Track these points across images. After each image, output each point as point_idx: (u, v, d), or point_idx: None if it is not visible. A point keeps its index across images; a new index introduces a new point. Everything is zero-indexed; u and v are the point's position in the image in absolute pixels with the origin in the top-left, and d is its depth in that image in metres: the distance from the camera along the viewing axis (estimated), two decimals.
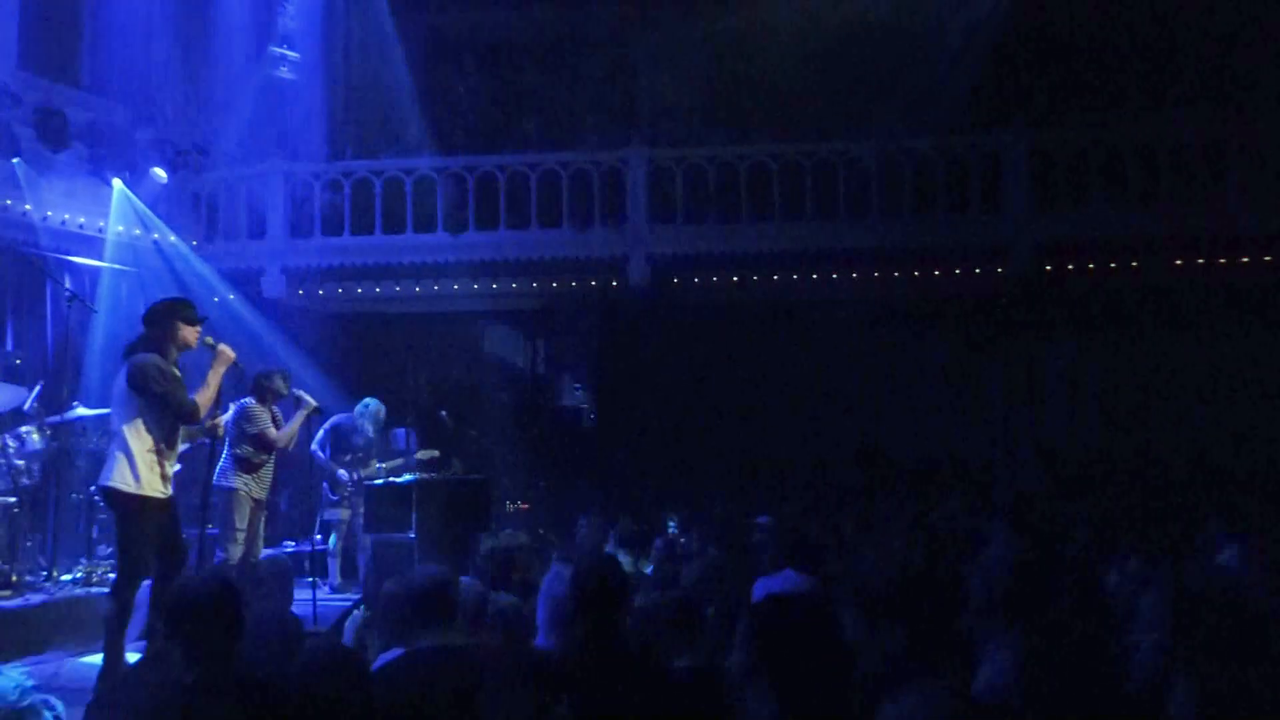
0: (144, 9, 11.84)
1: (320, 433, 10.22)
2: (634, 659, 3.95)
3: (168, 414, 6.25)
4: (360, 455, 10.28)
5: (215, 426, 6.97)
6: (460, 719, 3.42)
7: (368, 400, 10.42)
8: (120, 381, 6.28)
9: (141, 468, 6.16)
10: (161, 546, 6.27)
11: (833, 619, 3.07)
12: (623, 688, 3.63)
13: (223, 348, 6.56)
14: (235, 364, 6.65)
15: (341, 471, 10.19)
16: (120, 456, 6.19)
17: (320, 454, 10.21)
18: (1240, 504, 10.80)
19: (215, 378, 6.47)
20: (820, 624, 3.01)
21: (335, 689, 3.36)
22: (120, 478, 6.16)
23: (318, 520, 10.47)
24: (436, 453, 10.55)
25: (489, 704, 3.61)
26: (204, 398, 6.38)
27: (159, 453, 6.24)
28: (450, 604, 4.19)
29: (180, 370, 6.45)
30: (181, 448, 6.88)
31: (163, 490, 6.26)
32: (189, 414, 6.32)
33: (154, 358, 6.22)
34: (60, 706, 2.49)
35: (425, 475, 9.73)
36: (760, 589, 4.21)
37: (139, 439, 6.19)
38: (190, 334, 6.43)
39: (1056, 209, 12.02)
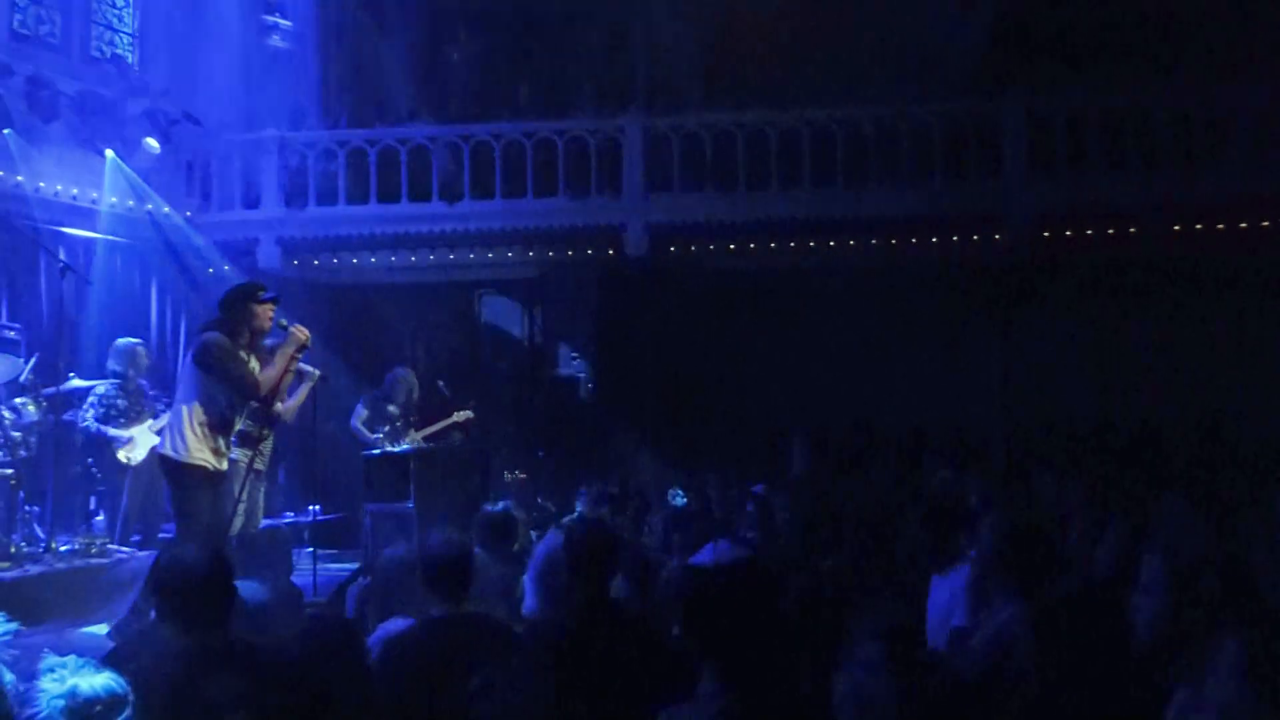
0: None
1: (357, 407, 10.23)
2: (630, 625, 3.95)
3: (227, 391, 6.41)
4: (399, 425, 10.22)
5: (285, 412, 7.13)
6: (460, 688, 3.42)
7: (397, 369, 10.45)
8: (186, 357, 6.58)
9: (190, 439, 6.34)
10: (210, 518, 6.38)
11: (759, 584, 3.05)
12: (620, 655, 3.63)
13: (295, 329, 6.60)
14: (308, 347, 6.70)
15: (385, 444, 10.10)
16: (174, 426, 6.43)
17: (362, 430, 10.16)
18: (1238, 473, 10.85)
19: (283, 358, 6.55)
20: (742, 591, 2.98)
21: (332, 658, 3.37)
22: (171, 446, 6.39)
23: None
24: (470, 414, 10.49)
25: (489, 673, 3.60)
26: (266, 375, 6.49)
27: (212, 427, 6.41)
28: (463, 573, 4.19)
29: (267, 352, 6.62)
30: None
31: (214, 463, 6.43)
32: (249, 390, 6.45)
33: (218, 336, 6.37)
34: (8, 676, 2.45)
35: (452, 442, 9.71)
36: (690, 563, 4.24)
37: (194, 412, 6.37)
38: (264, 315, 6.53)
39: (1055, 176, 11.98)
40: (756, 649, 2.83)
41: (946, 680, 2.68)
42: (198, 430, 6.35)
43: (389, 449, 9.73)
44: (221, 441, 6.50)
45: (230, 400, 6.47)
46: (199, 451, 6.35)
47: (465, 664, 3.22)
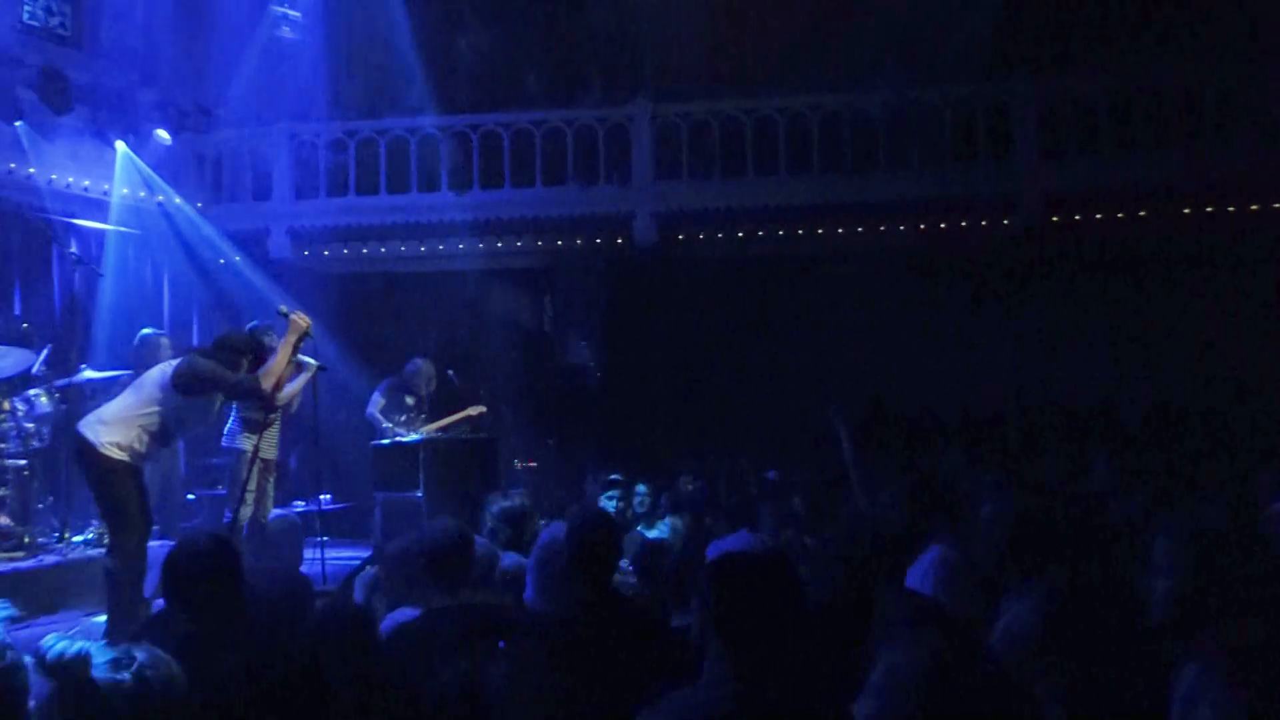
0: None
1: (374, 395, 10.18)
2: (631, 616, 3.96)
3: (196, 411, 6.25)
4: (412, 415, 10.21)
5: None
6: (457, 678, 3.44)
7: (417, 360, 10.38)
8: (164, 369, 6.27)
9: (123, 434, 6.11)
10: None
11: (790, 576, 3.02)
12: (621, 646, 3.64)
13: (297, 316, 6.50)
14: (309, 335, 6.59)
15: (399, 432, 10.10)
16: (111, 421, 6.17)
17: (379, 418, 10.10)
18: (1242, 450, 10.81)
19: (285, 348, 6.44)
20: (774, 582, 2.95)
21: (343, 646, 3.39)
22: (90, 430, 6.12)
23: None
24: (484, 408, 10.48)
25: (496, 663, 3.63)
26: (269, 368, 6.36)
27: (153, 436, 6.20)
28: (460, 563, 4.20)
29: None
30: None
31: (128, 459, 6.17)
32: (253, 391, 6.33)
33: (210, 363, 6.21)
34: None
35: (473, 434, 9.73)
36: (713, 550, 4.19)
37: (140, 416, 6.15)
38: (249, 363, 6.42)
39: (1065, 158, 11.93)
40: (778, 643, 2.77)
41: (987, 670, 2.64)
42: (135, 432, 6.11)
43: (400, 438, 9.74)
44: (149, 448, 6.25)
45: (179, 420, 6.26)
46: (125, 450, 6.09)
47: (465, 653, 3.23)
